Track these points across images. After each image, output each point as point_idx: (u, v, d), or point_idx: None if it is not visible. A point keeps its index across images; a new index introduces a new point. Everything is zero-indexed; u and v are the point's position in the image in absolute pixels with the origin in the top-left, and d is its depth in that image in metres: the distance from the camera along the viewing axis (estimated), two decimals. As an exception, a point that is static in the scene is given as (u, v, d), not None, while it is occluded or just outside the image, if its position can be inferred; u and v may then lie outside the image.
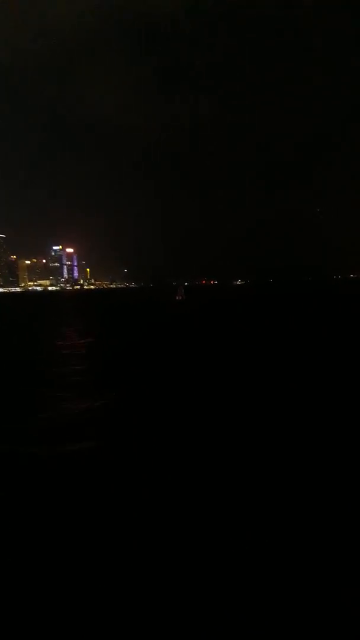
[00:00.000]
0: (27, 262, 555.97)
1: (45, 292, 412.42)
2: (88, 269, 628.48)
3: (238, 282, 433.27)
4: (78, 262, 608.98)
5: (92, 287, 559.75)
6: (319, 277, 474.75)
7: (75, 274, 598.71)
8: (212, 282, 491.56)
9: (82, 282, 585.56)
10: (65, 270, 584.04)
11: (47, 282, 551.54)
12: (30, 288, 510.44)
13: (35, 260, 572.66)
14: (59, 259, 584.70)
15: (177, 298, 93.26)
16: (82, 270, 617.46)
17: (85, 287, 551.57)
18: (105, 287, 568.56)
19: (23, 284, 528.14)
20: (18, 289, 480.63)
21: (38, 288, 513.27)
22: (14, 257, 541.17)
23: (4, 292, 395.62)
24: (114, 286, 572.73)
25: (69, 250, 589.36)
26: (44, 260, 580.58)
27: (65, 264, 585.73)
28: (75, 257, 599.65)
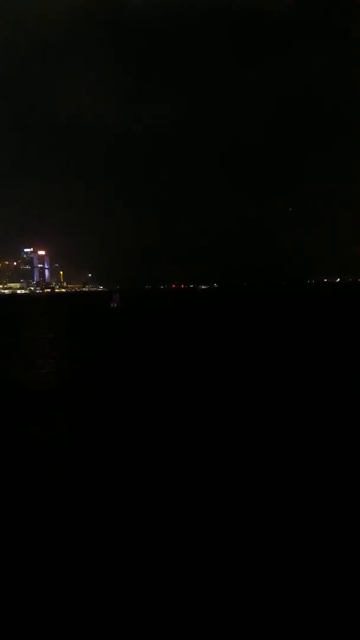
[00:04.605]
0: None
1: (13, 296, 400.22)
2: (61, 272, 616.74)
3: (203, 287, 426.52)
4: (50, 265, 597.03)
5: (63, 290, 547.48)
6: (293, 281, 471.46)
7: (47, 276, 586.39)
8: (182, 286, 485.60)
9: (53, 285, 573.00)
10: (36, 273, 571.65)
11: (18, 285, 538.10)
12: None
13: (6, 263, 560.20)
14: (30, 261, 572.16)
15: (111, 305, 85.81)
16: (55, 273, 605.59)
17: (56, 290, 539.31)
18: (78, 290, 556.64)
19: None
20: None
21: (6, 291, 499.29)
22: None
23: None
24: (87, 289, 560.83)
25: (41, 252, 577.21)
26: (15, 263, 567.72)
27: (37, 267, 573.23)
28: (47, 259, 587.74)
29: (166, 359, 26.00)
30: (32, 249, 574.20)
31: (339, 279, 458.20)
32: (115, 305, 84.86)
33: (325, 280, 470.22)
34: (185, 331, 42.17)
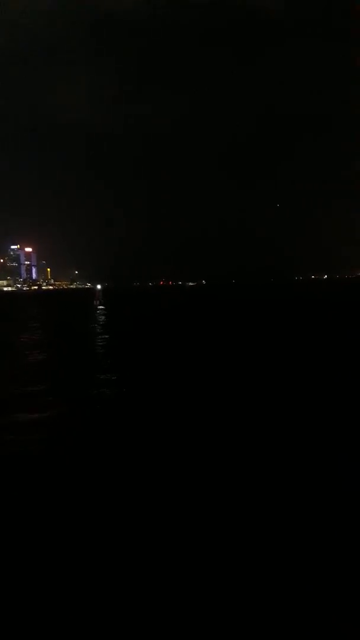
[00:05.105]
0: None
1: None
2: (49, 269, 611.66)
3: (190, 284, 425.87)
4: (37, 262, 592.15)
5: (50, 287, 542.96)
6: (281, 279, 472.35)
7: (34, 274, 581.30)
8: (170, 283, 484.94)
9: (40, 282, 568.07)
10: (23, 271, 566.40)
11: (4, 283, 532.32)
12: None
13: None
14: (17, 258, 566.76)
15: (95, 303, 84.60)
16: (42, 271, 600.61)
17: (43, 287, 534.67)
18: (66, 287, 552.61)
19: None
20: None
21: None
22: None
23: None
24: (74, 286, 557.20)
25: (28, 249, 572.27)
26: (1, 260, 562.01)
27: (24, 264, 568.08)
28: (34, 256, 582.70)
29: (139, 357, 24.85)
30: (18, 246, 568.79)
31: (325, 276, 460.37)
32: (97, 302, 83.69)
33: (313, 277, 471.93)
34: (163, 328, 41.06)
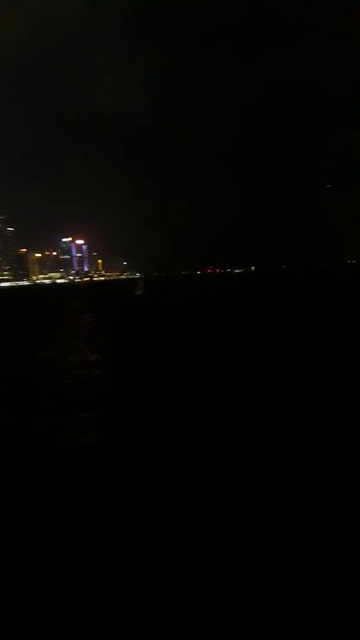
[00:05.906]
0: (38, 255, 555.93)
1: (53, 285, 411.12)
2: (100, 261, 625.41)
3: (237, 271, 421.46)
4: (89, 254, 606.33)
5: (102, 278, 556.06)
6: (333, 263, 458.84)
7: (85, 265, 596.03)
8: (217, 270, 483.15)
9: (92, 273, 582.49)
10: (75, 262, 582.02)
11: (58, 275, 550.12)
12: (38, 281, 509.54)
13: (47, 253, 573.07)
14: (69, 251, 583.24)
15: (137, 292, 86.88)
16: (93, 262, 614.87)
17: (95, 278, 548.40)
18: (116, 277, 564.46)
19: (35, 277, 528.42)
20: (26, 283, 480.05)
21: (47, 281, 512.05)
22: (24, 250, 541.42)
23: (8, 287, 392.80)
24: (125, 277, 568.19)
25: (79, 242, 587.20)
26: (54, 253, 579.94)
27: (75, 256, 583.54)
28: (85, 248, 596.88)
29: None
30: (70, 239, 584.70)
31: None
32: (140, 292, 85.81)
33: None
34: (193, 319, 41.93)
